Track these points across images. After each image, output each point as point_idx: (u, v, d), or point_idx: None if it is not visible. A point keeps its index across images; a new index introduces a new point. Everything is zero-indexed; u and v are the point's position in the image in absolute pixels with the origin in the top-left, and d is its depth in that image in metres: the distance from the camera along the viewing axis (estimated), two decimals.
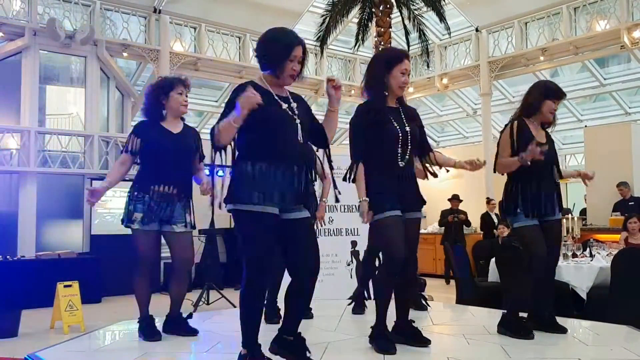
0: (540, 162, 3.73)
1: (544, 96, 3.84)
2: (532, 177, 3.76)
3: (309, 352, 2.99)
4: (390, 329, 3.45)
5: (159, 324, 3.92)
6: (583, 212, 10.24)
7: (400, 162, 3.43)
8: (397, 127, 3.42)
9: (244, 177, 2.86)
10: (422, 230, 11.91)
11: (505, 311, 3.82)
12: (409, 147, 3.45)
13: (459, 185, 11.91)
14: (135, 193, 3.82)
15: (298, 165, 2.94)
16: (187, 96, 3.99)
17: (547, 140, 3.88)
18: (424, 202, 3.54)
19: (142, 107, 4.03)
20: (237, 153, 2.95)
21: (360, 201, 3.37)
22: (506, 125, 3.92)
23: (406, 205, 3.42)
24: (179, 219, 3.88)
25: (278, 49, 2.91)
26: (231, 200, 2.88)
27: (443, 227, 10.79)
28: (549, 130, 4.02)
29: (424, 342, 3.42)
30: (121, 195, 9.71)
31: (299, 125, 2.97)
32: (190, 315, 4.04)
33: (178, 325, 3.92)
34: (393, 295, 3.46)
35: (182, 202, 3.91)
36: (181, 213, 3.89)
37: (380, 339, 3.33)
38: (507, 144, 3.81)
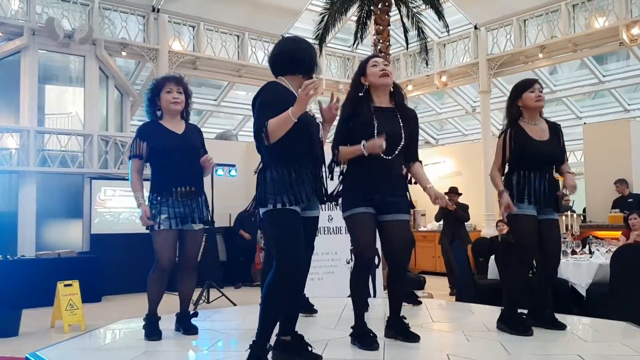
0: (541, 157, 3.75)
1: (519, 94, 3.84)
2: (532, 171, 3.77)
3: (312, 347, 3.01)
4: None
5: (166, 323, 3.93)
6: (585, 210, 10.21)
7: (383, 160, 3.38)
8: (376, 126, 3.38)
9: (276, 181, 2.92)
10: (421, 228, 12.01)
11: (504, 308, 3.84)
12: (397, 146, 3.41)
13: (458, 182, 11.89)
14: (159, 198, 3.81)
15: (321, 164, 3.07)
16: (179, 92, 3.96)
17: (551, 135, 3.88)
18: (412, 207, 3.55)
19: (145, 110, 4.07)
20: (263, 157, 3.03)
21: (362, 144, 3.31)
22: (503, 132, 3.91)
23: (390, 208, 3.41)
24: (198, 216, 3.91)
25: (314, 58, 3.11)
26: (265, 203, 2.93)
27: (442, 223, 10.02)
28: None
29: (413, 338, 3.43)
30: (121, 195, 9.76)
31: (320, 124, 3.10)
32: (195, 314, 4.05)
33: (182, 323, 3.95)
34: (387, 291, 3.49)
35: (202, 198, 3.95)
36: (201, 209, 3.93)
37: (362, 336, 3.34)
38: (500, 153, 3.86)
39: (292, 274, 2.88)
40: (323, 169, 3.13)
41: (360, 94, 3.51)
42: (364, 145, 3.30)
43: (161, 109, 3.95)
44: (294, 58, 3.06)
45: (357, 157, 3.37)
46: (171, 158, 3.83)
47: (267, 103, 2.91)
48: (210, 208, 4.06)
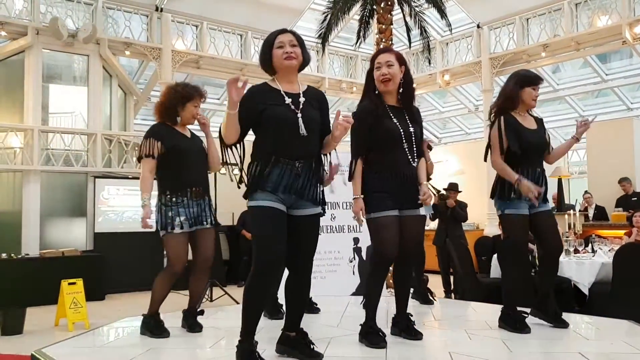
0: (531, 149, 3.77)
1: (521, 85, 3.85)
2: (523, 164, 3.78)
3: (314, 345, 3.03)
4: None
5: (169, 320, 3.96)
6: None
7: (412, 162, 3.43)
8: (398, 124, 3.42)
9: (251, 176, 2.97)
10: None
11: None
12: (415, 146, 3.45)
13: (461, 181, 11.89)
14: (174, 199, 3.82)
15: (299, 160, 2.98)
16: (199, 107, 4.04)
17: (538, 126, 3.91)
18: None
19: (159, 106, 4.03)
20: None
21: (354, 198, 3.37)
22: (493, 122, 3.92)
23: (410, 204, 3.44)
24: (208, 216, 3.95)
25: (263, 48, 3.08)
26: (246, 197, 3.00)
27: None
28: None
29: (416, 336, 3.46)
30: (125, 193, 9.79)
31: (299, 118, 2.99)
32: (201, 312, 4.07)
33: (188, 320, 3.98)
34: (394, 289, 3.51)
35: (207, 199, 3.99)
36: (209, 209, 3.98)
37: (370, 334, 3.36)
38: (496, 141, 3.83)
39: (264, 273, 2.90)
40: (312, 166, 3.04)
41: (376, 92, 3.50)
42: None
43: (179, 116, 3.98)
44: (260, 62, 3.13)
45: (382, 159, 3.39)
46: (187, 159, 3.88)
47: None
48: (213, 208, 4.09)
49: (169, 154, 3.86)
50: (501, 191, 3.83)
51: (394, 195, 3.37)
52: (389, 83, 3.44)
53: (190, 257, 3.96)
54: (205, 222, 3.93)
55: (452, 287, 7.71)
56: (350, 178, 3.45)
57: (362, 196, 3.35)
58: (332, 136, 3.02)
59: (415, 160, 3.46)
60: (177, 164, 3.86)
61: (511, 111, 3.86)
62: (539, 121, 3.98)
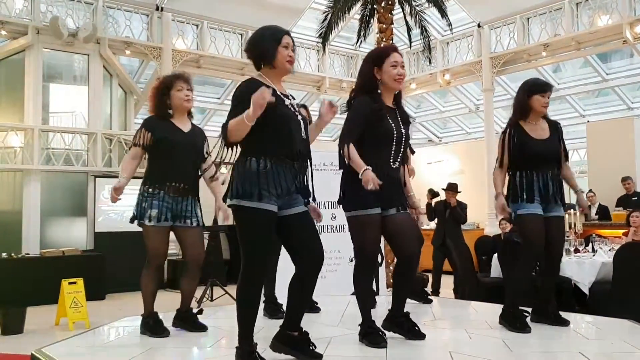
0: (537, 159, 3.78)
1: (529, 94, 3.86)
2: (534, 170, 3.80)
3: (314, 346, 3.02)
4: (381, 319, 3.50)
5: (167, 319, 3.95)
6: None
7: (392, 163, 3.43)
8: (394, 126, 3.42)
9: (248, 173, 2.88)
10: (424, 227, 11.94)
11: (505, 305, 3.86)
12: (402, 149, 3.46)
13: (461, 181, 11.88)
14: (150, 190, 3.82)
15: (299, 161, 2.99)
16: (189, 90, 3.98)
17: (551, 132, 3.90)
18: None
19: (150, 103, 4.03)
20: (239, 149, 2.97)
21: (363, 171, 3.18)
22: (505, 129, 3.94)
23: (396, 204, 3.43)
24: (192, 214, 3.92)
25: (269, 39, 2.98)
26: (233, 196, 2.90)
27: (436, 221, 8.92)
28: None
29: (421, 336, 3.45)
30: (125, 193, 9.72)
31: (301, 121, 3.02)
32: (200, 311, 4.07)
33: (188, 321, 3.96)
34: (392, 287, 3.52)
35: (195, 198, 3.96)
36: (194, 208, 3.94)
37: (370, 334, 3.35)
38: (500, 151, 3.91)
39: (254, 273, 2.89)
40: (308, 167, 3.05)
41: (379, 91, 3.45)
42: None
43: (171, 108, 3.97)
44: (251, 55, 3.05)
45: (371, 157, 3.30)
46: (172, 153, 3.85)
47: (236, 100, 2.89)
48: (201, 209, 4.03)
49: (158, 145, 3.86)
50: (514, 195, 3.85)
51: (379, 193, 3.31)
52: (401, 83, 3.47)
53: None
54: (188, 222, 3.90)
55: (453, 286, 7.70)
56: (341, 165, 3.41)
57: (369, 168, 3.18)
58: (321, 121, 3.20)
59: (398, 161, 3.45)
60: (164, 156, 3.85)
61: (523, 120, 3.87)
62: (554, 128, 3.94)
